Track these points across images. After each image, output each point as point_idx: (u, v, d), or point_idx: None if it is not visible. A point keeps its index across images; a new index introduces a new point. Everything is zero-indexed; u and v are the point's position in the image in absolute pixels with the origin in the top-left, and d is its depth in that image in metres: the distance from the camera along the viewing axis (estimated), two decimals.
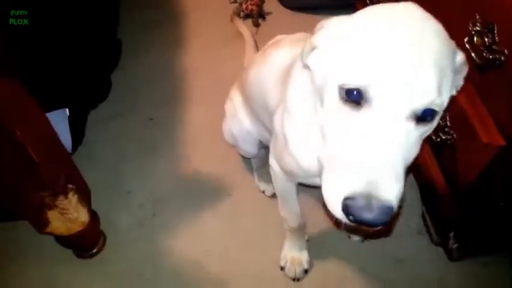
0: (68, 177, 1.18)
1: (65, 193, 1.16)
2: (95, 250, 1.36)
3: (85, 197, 1.25)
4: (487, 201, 1.08)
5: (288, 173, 1.03)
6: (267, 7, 2.13)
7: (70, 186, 1.17)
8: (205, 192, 1.51)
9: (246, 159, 1.55)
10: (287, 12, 2.12)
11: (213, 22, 2.09)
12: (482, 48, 0.94)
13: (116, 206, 1.48)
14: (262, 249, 1.36)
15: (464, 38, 0.99)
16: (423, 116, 0.61)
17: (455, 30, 1.04)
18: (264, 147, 1.37)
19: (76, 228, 1.23)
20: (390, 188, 0.58)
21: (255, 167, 1.50)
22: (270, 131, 1.09)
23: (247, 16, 2.07)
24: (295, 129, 0.91)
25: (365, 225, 0.60)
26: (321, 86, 0.70)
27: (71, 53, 1.38)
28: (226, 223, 1.43)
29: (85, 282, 1.33)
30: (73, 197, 1.18)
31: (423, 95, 0.59)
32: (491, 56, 0.92)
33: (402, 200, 0.62)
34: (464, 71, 0.71)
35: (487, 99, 0.99)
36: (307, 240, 1.32)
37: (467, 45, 0.98)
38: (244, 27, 1.80)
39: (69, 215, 1.19)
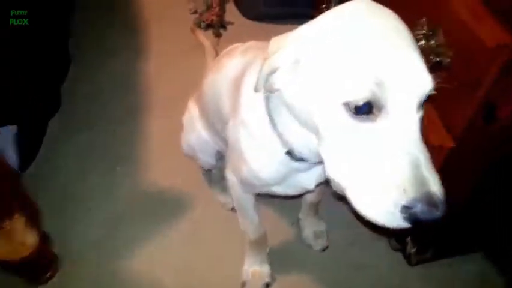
0: (13, 198, 1.13)
1: (10, 215, 1.11)
2: (48, 274, 1.30)
3: (34, 218, 1.20)
4: None
5: (245, 183, 1.01)
6: (227, 17, 2.13)
7: (16, 207, 1.12)
8: (166, 208, 1.49)
9: (208, 173, 1.52)
10: (248, 22, 2.13)
11: (175, 32, 2.08)
12: (429, 51, 0.95)
13: (77, 224, 1.44)
14: (224, 264, 1.35)
15: None
16: (423, 102, 0.61)
17: None
18: (223, 159, 1.35)
19: (24, 252, 1.18)
20: (436, 179, 0.58)
21: (216, 179, 1.49)
22: (226, 141, 1.07)
23: (208, 26, 2.06)
24: (250, 140, 0.90)
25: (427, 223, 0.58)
26: (303, 108, 0.67)
27: (17, 69, 1.33)
28: (188, 238, 1.41)
29: None
30: (19, 219, 1.13)
31: (424, 83, 0.59)
32: (437, 59, 0.92)
33: None
34: None
35: (436, 100, 0.99)
36: (268, 253, 1.30)
37: None
38: (205, 38, 1.77)
39: (16, 238, 1.14)
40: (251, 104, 0.85)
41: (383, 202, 0.58)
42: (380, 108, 0.58)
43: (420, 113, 0.61)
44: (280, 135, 0.80)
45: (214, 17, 2.05)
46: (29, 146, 1.41)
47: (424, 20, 0.97)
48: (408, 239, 1.27)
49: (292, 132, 0.76)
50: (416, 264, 1.31)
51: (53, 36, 1.67)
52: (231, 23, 2.10)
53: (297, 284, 1.30)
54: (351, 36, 0.59)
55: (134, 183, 1.55)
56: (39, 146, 1.56)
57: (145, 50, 2.03)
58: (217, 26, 2.05)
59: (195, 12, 2.13)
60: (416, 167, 0.57)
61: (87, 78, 1.87)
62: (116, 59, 1.97)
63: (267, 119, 0.80)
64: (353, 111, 0.59)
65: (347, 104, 0.59)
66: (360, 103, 0.58)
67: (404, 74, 0.57)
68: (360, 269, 1.32)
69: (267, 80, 0.69)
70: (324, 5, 1.65)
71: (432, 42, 0.94)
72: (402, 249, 1.32)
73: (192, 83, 1.61)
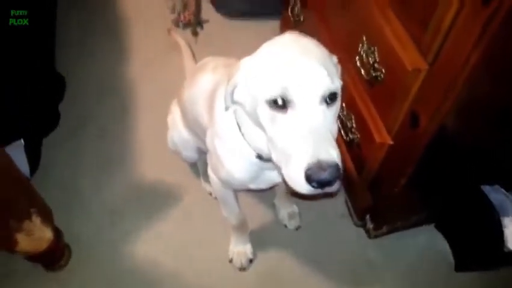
0: (30, 202, 1.30)
1: (29, 217, 1.29)
2: (62, 262, 1.49)
3: (48, 216, 1.37)
4: (387, 187, 1.29)
5: (224, 182, 1.19)
6: (204, 15, 2.23)
7: (33, 209, 1.30)
8: (158, 199, 1.64)
9: (194, 165, 1.69)
10: (223, 19, 2.22)
11: (155, 32, 2.16)
12: (368, 66, 1.13)
13: (77, 220, 1.59)
14: (212, 245, 1.53)
15: (356, 57, 1.18)
16: (329, 99, 0.81)
17: (349, 51, 1.24)
18: (205, 153, 1.53)
19: (43, 246, 1.37)
20: (330, 151, 0.77)
21: (201, 171, 1.65)
22: (205, 142, 1.21)
23: (186, 26, 2.17)
24: (225, 149, 1.07)
25: (326, 187, 0.78)
26: (252, 110, 0.88)
27: (20, 94, 1.48)
28: (180, 225, 1.58)
29: None
30: (36, 219, 1.31)
31: (322, 84, 0.79)
32: (374, 73, 1.11)
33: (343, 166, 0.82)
34: (339, 70, 0.92)
35: (378, 107, 1.19)
36: (250, 233, 1.49)
37: (358, 63, 1.17)
38: (181, 39, 1.82)
39: (35, 235, 1.32)
40: (223, 119, 1.03)
41: (295, 172, 0.79)
42: (289, 102, 0.80)
43: (324, 106, 0.81)
44: (249, 143, 0.99)
45: (191, 17, 2.16)
46: (34, 156, 1.57)
47: (365, 38, 1.15)
48: (368, 217, 1.47)
49: (256, 137, 0.96)
50: (375, 237, 1.51)
51: (45, 54, 1.76)
52: (207, 21, 2.20)
53: (274, 258, 1.49)
54: (273, 60, 0.83)
55: (126, 178, 1.69)
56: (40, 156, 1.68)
57: (127, 50, 2.10)
58: (194, 25, 2.16)
59: (174, 11, 2.21)
60: (314, 143, 0.77)
61: (71, 82, 1.92)
62: (99, 62, 2.03)
63: (238, 130, 1.00)
64: (273, 105, 0.81)
65: (269, 101, 0.81)
66: (275, 97, 0.80)
67: (303, 80, 0.79)
68: (329, 243, 1.52)
69: (231, 97, 0.91)
70: (291, 4, 1.77)
71: (370, 59, 1.13)
72: (363, 225, 1.51)
73: (173, 80, 1.71)
